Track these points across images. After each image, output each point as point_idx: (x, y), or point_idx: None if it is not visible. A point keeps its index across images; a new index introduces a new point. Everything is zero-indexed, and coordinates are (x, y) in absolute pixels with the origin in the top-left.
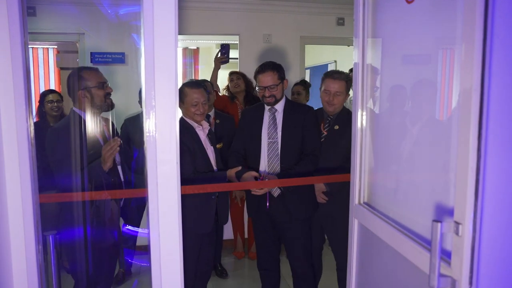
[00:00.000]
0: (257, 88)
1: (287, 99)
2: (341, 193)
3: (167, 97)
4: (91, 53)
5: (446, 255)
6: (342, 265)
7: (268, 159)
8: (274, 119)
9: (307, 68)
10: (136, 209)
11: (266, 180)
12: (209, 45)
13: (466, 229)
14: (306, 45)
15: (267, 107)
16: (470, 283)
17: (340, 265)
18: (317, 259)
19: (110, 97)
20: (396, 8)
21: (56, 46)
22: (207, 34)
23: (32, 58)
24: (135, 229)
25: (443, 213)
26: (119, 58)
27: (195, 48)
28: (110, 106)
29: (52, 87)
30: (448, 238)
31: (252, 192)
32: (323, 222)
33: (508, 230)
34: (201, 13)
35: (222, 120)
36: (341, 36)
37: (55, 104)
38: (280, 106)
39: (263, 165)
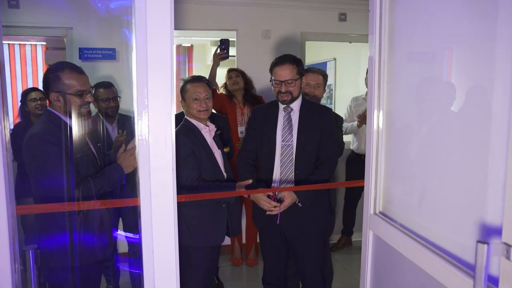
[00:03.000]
0: (272, 82)
1: (303, 98)
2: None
3: (161, 96)
4: (79, 48)
5: (491, 281)
6: (313, 287)
7: (281, 164)
8: (289, 119)
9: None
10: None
11: (279, 196)
12: (203, 42)
13: None
14: (306, 42)
15: (281, 106)
16: None
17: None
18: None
19: (89, 106)
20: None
21: (44, 43)
22: (203, 30)
23: (20, 55)
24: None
25: (485, 231)
26: (109, 54)
27: (189, 45)
28: (85, 114)
29: (41, 86)
30: (494, 262)
31: (267, 213)
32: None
33: None
34: (197, 7)
35: (214, 120)
36: (343, 33)
37: (39, 102)
38: (296, 106)
39: (276, 171)
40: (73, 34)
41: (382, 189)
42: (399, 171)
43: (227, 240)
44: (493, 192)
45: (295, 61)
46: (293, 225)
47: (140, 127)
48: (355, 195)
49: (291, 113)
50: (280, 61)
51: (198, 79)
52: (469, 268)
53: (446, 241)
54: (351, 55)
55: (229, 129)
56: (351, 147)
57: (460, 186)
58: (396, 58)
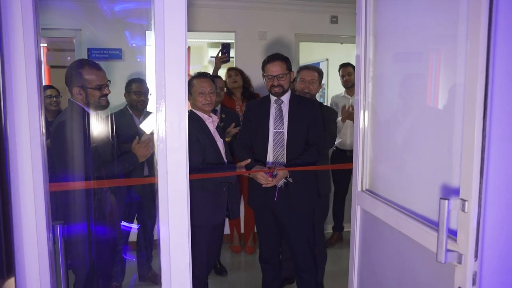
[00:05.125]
0: (264, 78)
1: (292, 92)
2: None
3: (176, 89)
4: (88, 49)
5: (451, 233)
6: (304, 265)
7: (274, 149)
8: (280, 110)
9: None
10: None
11: (275, 171)
12: (200, 44)
13: (472, 205)
14: (300, 42)
15: (273, 99)
16: (476, 256)
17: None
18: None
19: (106, 97)
20: (397, 3)
21: (46, 44)
22: (204, 31)
23: None
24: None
25: (448, 193)
26: (116, 54)
27: (187, 47)
28: (105, 106)
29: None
30: (453, 217)
31: (263, 185)
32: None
33: (506, 206)
34: (198, 10)
35: (228, 115)
36: (334, 34)
37: (54, 99)
38: (286, 98)
39: (269, 155)
40: (82, 35)
41: (368, 169)
42: (382, 153)
43: (226, 230)
44: (455, 164)
45: (284, 59)
46: (284, 204)
47: (159, 116)
48: (342, 190)
49: (282, 105)
50: (271, 58)
51: (203, 75)
52: (436, 225)
53: (420, 207)
54: (342, 56)
55: (240, 125)
56: (335, 142)
57: (430, 162)
58: (379, 56)
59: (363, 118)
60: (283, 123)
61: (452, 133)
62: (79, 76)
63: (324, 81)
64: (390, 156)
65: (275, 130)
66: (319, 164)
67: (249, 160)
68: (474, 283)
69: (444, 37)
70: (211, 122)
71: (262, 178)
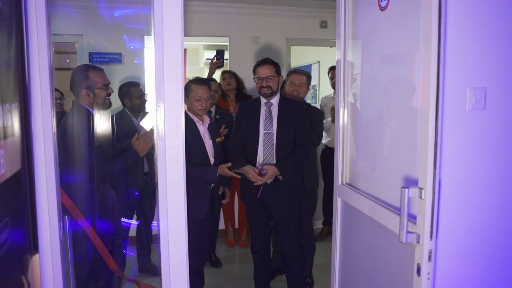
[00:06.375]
0: (255, 80)
1: (281, 95)
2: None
3: (174, 90)
4: (89, 53)
5: (413, 218)
6: (292, 254)
7: (264, 149)
8: (270, 112)
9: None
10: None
11: (265, 170)
12: (196, 47)
13: (428, 193)
14: (291, 46)
15: (263, 102)
16: (431, 236)
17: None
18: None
19: (109, 98)
20: (372, 14)
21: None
22: (200, 36)
23: None
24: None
25: (410, 183)
26: (116, 58)
27: (184, 49)
28: (108, 105)
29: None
30: (415, 204)
31: (255, 184)
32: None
33: (459, 192)
34: (194, 16)
35: (222, 116)
36: (324, 38)
37: (58, 101)
38: (275, 101)
39: (260, 155)
40: (84, 40)
41: (348, 165)
42: (360, 150)
43: (221, 225)
44: (417, 158)
45: (273, 63)
46: (273, 197)
47: (158, 116)
48: (332, 187)
49: (271, 107)
50: (262, 62)
51: (202, 81)
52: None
53: (390, 197)
54: (333, 58)
55: (233, 124)
56: (324, 141)
57: (398, 157)
58: (357, 59)
59: (343, 118)
60: (272, 124)
61: (415, 131)
62: (86, 79)
63: (315, 82)
64: (366, 152)
65: (265, 131)
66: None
67: (229, 164)
68: (429, 259)
69: (410, 45)
70: (202, 124)
71: (252, 176)
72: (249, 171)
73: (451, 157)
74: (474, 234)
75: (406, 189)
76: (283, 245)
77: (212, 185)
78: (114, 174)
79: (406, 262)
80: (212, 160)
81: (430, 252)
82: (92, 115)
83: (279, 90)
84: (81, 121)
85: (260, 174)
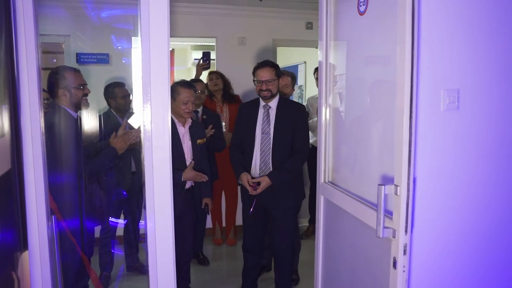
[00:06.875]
0: (255, 82)
1: (280, 97)
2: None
3: (161, 93)
4: (77, 53)
5: (390, 214)
6: (284, 255)
7: (260, 152)
8: (268, 115)
9: None
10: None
11: (258, 187)
12: (184, 47)
13: (403, 190)
14: (278, 47)
15: (261, 104)
16: (406, 230)
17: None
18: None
19: (87, 98)
20: (351, 17)
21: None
22: (187, 37)
23: None
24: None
25: (387, 181)
26: (103, 59)
27: (171, 49)
28: (86, 106)
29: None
30: (391, 201)
31: (249, 193)
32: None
33: (434, 189)
34: (181, 17)
35: (209, 117)
36: (310, 39)
37: (45, 101)
38: (273, 104)
39: (256, 157)
40: (71, 40)
41: (330, 164)
42: (341, 149)
43: (209, 223)
44: (393, 157)
45: (274, 65)
46: (271, 199)
47: (145, 117)
48: None
49: (269, 110)
50: (262, 65)
51: (189, 85)
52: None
53: (369, 194)
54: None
55: (221, 126)
56: (310, 141)
57: (376, 156)
58: (338, 60)
59: (325, 117)
60: (270, 127)
61: (392, 131)
62: (63, 79)
63: (302, 82)
64: (347, 151)
65: (263, 134)
66: None
67: (192, 171)
68: (405, 253)
69: (387, 48)
70: (182, 126)
71: (246, 185)
72: (244, 180)
73: (425, 155)
74: (448, 229)
75: (383, 186)
76: (276, 246)
77: (192, 184)
78: (95, 172)
79: (383, 256)
80: (188, 162)
81: (405, 246)
82: (70, 115)
83: (278, 92)
84: (60, 121)
85: (254, 189)
